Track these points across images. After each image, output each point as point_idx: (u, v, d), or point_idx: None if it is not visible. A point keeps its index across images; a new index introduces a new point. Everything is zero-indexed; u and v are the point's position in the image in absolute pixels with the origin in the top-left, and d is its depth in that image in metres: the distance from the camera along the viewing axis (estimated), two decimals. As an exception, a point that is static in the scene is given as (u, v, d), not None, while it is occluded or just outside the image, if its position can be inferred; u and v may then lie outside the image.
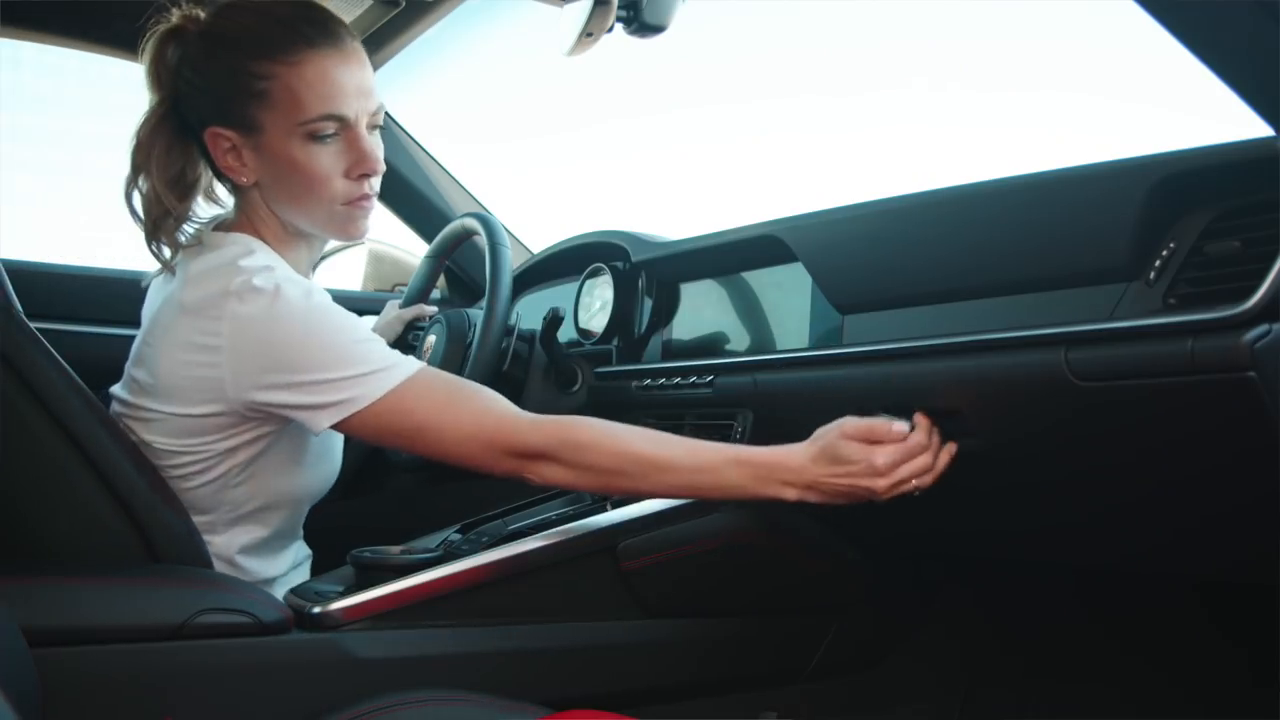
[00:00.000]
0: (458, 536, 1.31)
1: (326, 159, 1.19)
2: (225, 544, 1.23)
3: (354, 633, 1.13)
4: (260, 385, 1.13)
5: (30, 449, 1.09)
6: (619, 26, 1.33)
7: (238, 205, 1.27)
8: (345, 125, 1.19)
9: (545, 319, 1.56)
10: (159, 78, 1.21)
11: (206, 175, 1.26)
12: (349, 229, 1.25)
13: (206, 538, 1.22)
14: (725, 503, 1.27)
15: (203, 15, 1.20)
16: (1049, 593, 1.49)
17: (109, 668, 1.01)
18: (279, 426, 1.20)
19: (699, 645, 1.31)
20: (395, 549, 1.23)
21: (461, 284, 2.18)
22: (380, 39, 1.76)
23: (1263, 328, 0.84)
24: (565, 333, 1.70)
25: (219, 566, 1.22)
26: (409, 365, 1.16)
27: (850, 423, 1.12)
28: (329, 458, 1.32)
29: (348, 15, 1.66)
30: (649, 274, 1.67)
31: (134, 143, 1.21)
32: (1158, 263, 0.97)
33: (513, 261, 1.58)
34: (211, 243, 1.22)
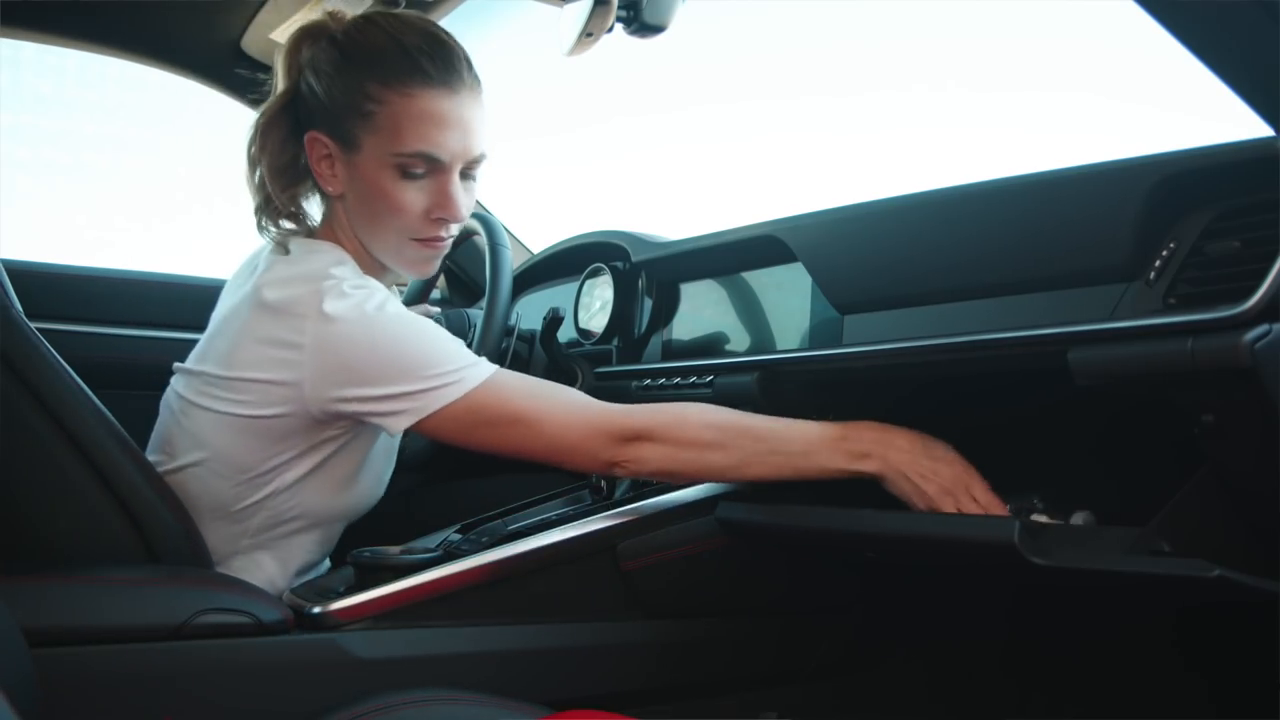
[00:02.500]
0: (458, 536, 1.31)
1: (410, 194, 1.20)
2: (246, 565, 1.23)
3: (354, 633, 1.13)
4: (341, 387, 1.14)
5: (30, 449, 1.09)
6: (619, 26, 1.33)
7: (325, 214, 1.29)
8: (437, 167, 1.20)
9: (545, 319, 1.56)
10: (289, 70, 1.24)
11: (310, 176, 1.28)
12: (417, 266, 1.27)
13: (234, 555, 1.22)
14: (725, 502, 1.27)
15: (344, 21, 1.23)
16: (1048, 593, 1.49)
17: (109, 668, 1.01)
18: (345, 438, 1.21)
19: (699, 645, 1.31)
20: (395, 549, 1.23)
21: (461, 284, 2.18)
22: (380, 39, 1.76)
23: (1263, 328, 0.84)
24: (565, 333, 1.70)
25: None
26: (490, 365, 1.18)
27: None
28: (376, 479, 1.32)
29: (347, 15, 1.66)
30: (649, 274, 1.67)
31: (253, 130, 1.24)
32: (1158, 263, 0.97)
33: (513, 261, 1.58)
34: (301, 248, 1.24)
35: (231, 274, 1.40)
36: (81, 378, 1.15)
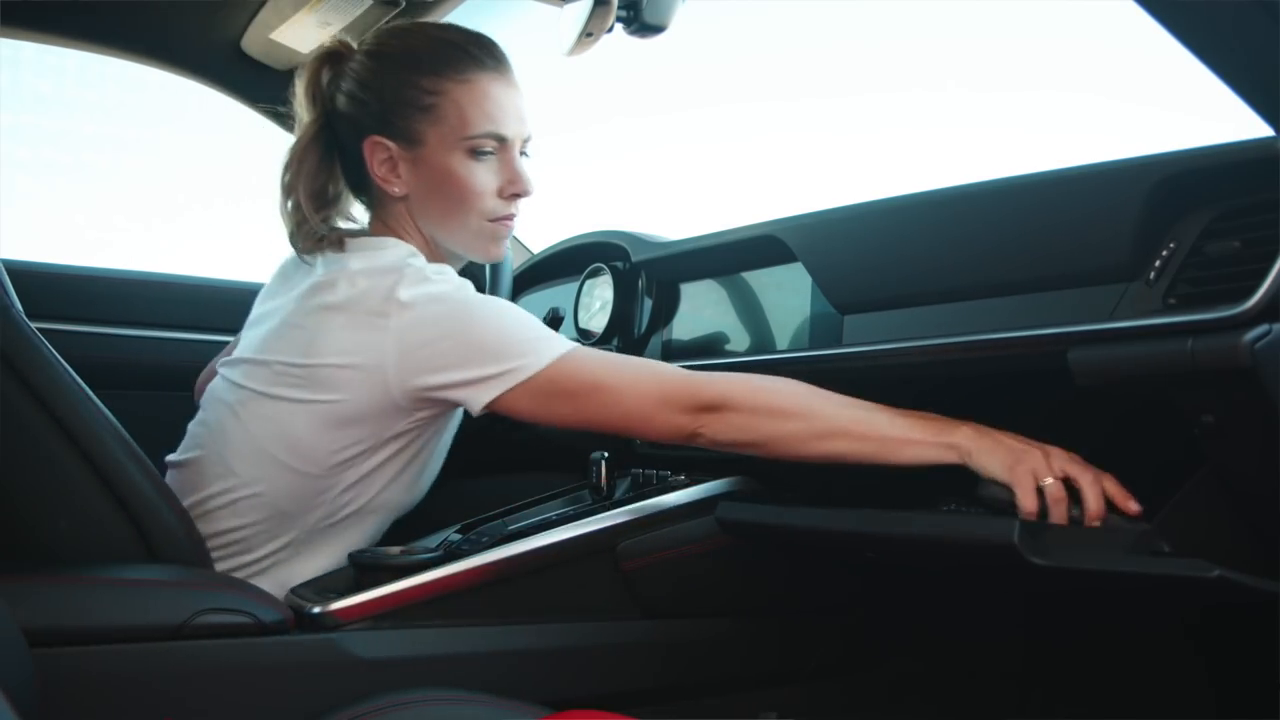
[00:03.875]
0: (458, 536, 1.31)
1: (483, 175, 1.26)
2: (288, 574, 1.24)
3: (354, 633, 1.13)
4: (423, 372, 1.16)
5: (30, 449, 1.09)
6: (619, 26, 1.33)
7: (379, 217, 1.32)
8: (504, 145, 1.26)
9: (545, 319, 1.56)
10: (314, 97, 1.29)
11: (346, 194, 1.34)
12: (490, 248, 1.31)
13: (277, 557, 1.23)
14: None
15: (356, 43, 1.29)
16: (1048, 593, 1.49)
17: (109, 668, 1.01)
18: (421, 428, 1.23)
19: (699, 645, 1.31)
20: (395, 549, 1.23)
21: (461, 284, 2.18)
22: (380, 39, 1.76)
23: (1263, 328, 0.84)
24: (565, 332, 1.70)
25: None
26: (567, 341, 1.20)
27: None
28: (433, 473, 1.34)
29: (347, 15, 1.66)
30: (649, 274, 1.67)
31: (286, 159, 1.28)
32: (1158, 263, 0.97)
33: (513, 261, 1.58)
34: (367, 245, 1.27)
35: (274, 273, 1.41)
36: (81, 378, 1.15)
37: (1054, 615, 1.51)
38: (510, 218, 1.30)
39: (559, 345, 1.18)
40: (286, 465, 1.21)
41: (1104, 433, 1.17)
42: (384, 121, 1.25)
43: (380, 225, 1.32)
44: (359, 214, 1.37)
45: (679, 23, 1.34)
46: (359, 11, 1.67)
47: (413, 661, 1.14)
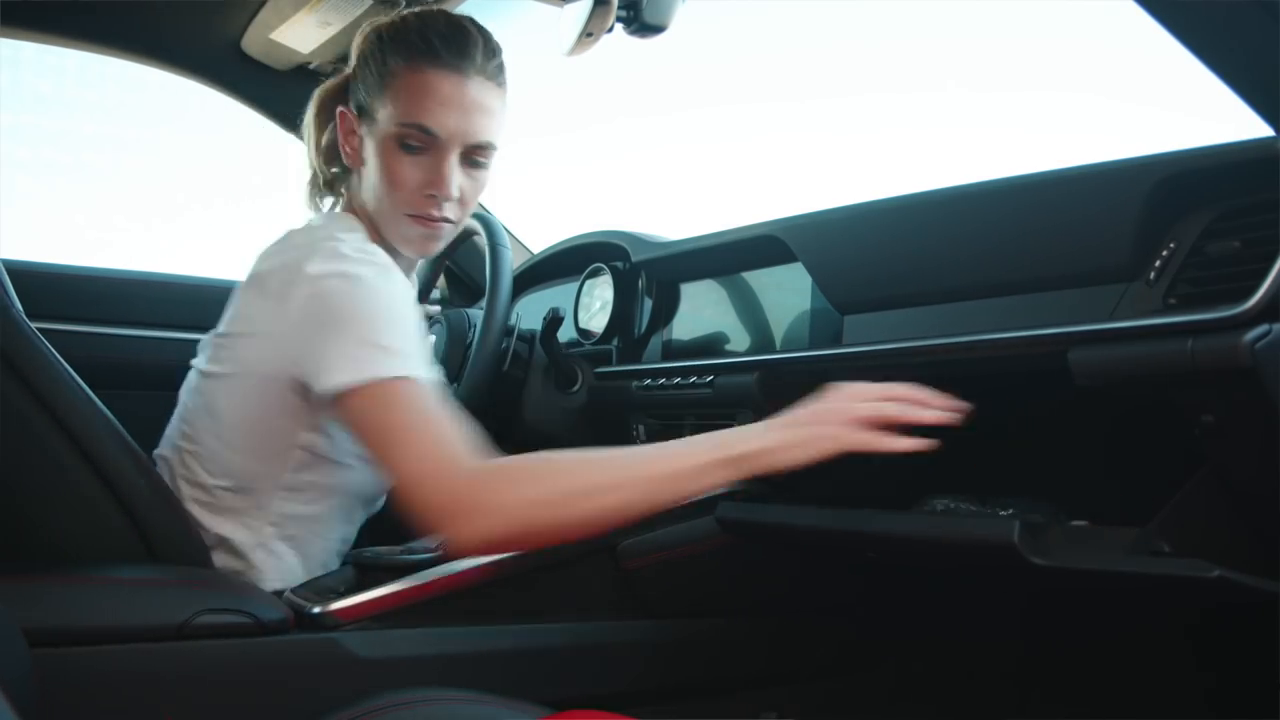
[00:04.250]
0: (458, 536, 1.31)
1: (407, 168, 1.24)
2: (260, 528, 1.23)
3: (354, 633, 1.13)
4: (303, 339, 1.15)
5: (30, 449, 1.09)
6: (619, 26, 1.33)
7: (349, 191, 1.34)
8: (434, 143, 1.23)
9: (545, 319, 1.56)
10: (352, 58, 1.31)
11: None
12: (413, 244, 1.29)
13: (256, 547, 1.22)
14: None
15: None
16: (1049, 594, 1.49)
17: (109, 668, 1.01)
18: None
19: (699, 645, 1.31)
20: (395, 549, 1.23)
21: (461, 284, 2.18)
22: (380, 39, 1.77)
23: (1263, 328, 0.84)
24: (565, 333, 1.70)
25: (252, 550, 1.22)
26: (428, 369, 1.16)
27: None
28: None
29: (347, 15, 1.66)
30: (649, 274, 1.67)
31: (311, 103, 1.35)
32: (1158, 263, 0.97)
33: (513, 261, 1.58)
34: (318, 219, 1.32)
35: None
36: (81, 378, 1.15)
37: (1054, 615, 1.51)
38: (431, 219, 1.25)
39: (418, 367, 1.13)
40: (235, 446, 1.21)
41: (1104, 433, 1.17)
42: (356, 93, 1.28)
43: (348, 199, 1.34)
44: None
45: (679, 23, 1.34)
46: (359, 11, 1.67)
47: (413, 661, 1.14)
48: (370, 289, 1.16)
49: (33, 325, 1.14)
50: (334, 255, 1.17)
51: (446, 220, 1.26)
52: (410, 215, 1.25)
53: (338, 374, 1.11)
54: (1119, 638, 1.48)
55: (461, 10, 1.69)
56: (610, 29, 1.33)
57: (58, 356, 1.13)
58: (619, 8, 1.31)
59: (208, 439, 1.24)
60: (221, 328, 1.26)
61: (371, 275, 1.17)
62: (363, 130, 1.27)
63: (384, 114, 1.23)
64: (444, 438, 1.09)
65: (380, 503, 1.36)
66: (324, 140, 1.33)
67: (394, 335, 1.14)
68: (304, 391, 1.17)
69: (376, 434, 1.11)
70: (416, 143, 1.22)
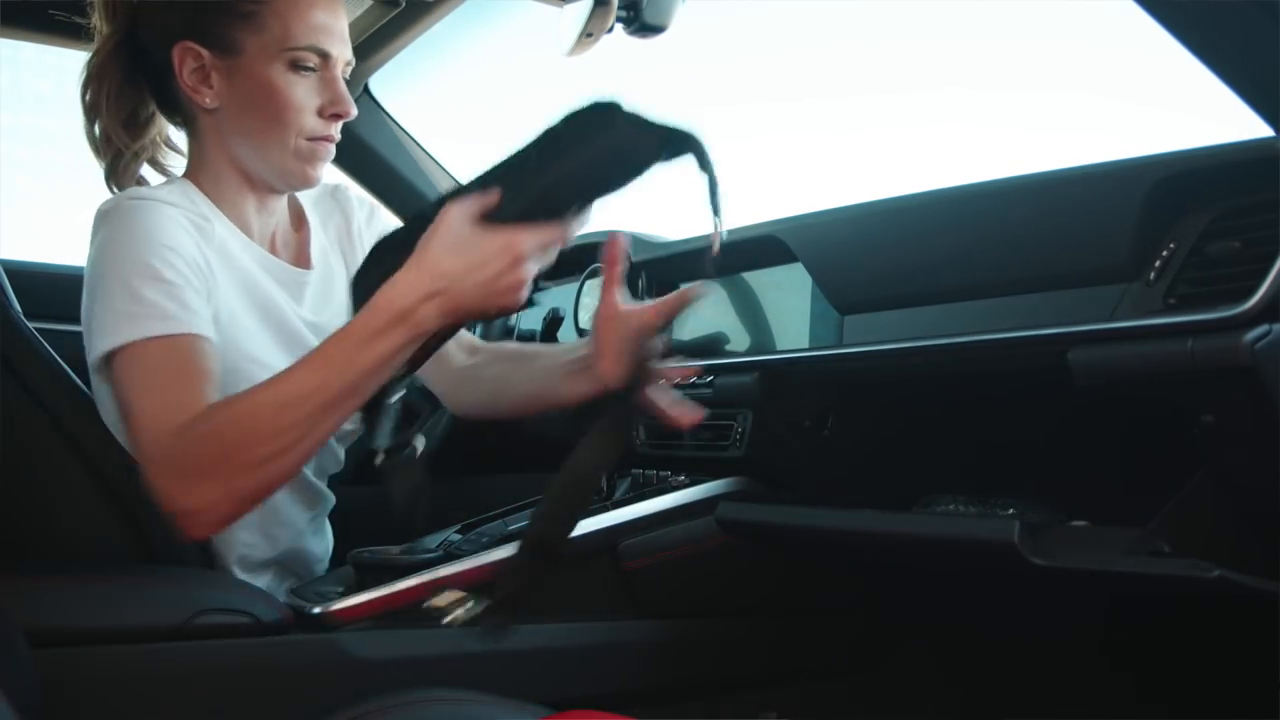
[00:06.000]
0: (458, 536, 1.31)
1: (302, 90, 1.19)
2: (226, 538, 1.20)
3: (354, 633, 1.13)
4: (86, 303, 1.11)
5: (30, 449, 1.09)
6: (619, 26, 1.33)
7: (191, 149, 1.25)
8: (326, 63, 1.20)
9: (545, 319, 1.56)
10: (112, 8, 1.20)
11: (159, 119, 1.26)
12: (305, 172, 1.22)
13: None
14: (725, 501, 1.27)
15: None
16: (1049, 594, 1.49)
17: (109, 668, 1.01)
18: None
19: (699, 645, 1.31)
20: (395, 549, 1.23)
21: (461, 284, 2.17)
22: (380, 39, 1.76)
23: (1263, 328, 0.84)
24: (565, 333, 1.70)
25: None
26: (185, 323, 1.07)
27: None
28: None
29: (347, 15, 1.65)
30: (649, 274, 1.66)
31: (84, 78, 1.20)
32: (1158, 263, 0.97)
33: (513, 261, 1.58)
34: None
35: None
36: (81, 378, 1.15)
37: (1054, 615, 1.51)
38: (330, 140, 1.22)
39: (184, 323, 1.06)
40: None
41: (1104, 433, 1.17)
42: (197, 27, 1.17)
43: (190, 158, 1.25)
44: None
45: (679, 23, 1.34)
46: (359, 11, 1.67)
47: (413, 661, 1.14)
48: (137, 238, 1.10)
49: (32, 325, 1.14)
50: (116, 210, 1.12)
51: (334, 141, 1.23)
52: (310, 139, 1.20)
53: (91, 351, 1.09)
54: (1119, 637, 1.48)
55: (461, 11, 1.70)
56: (610, 29, 1.32)
57: (57, 357, 1.13)
58: (619, 8, 1.30)
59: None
60: None
61: (129, 223, 1.11)
62: (222, 64, 1.17)
63: (258, 40, 1.16)
64: (165, 404, 1.02)
65: (340, 463, 1.33)
66: (122, 109, 1.21)
67: (152, 289, 1.07)
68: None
69: (127, 403, 1.06)
70: (310, 64, 1.18)
